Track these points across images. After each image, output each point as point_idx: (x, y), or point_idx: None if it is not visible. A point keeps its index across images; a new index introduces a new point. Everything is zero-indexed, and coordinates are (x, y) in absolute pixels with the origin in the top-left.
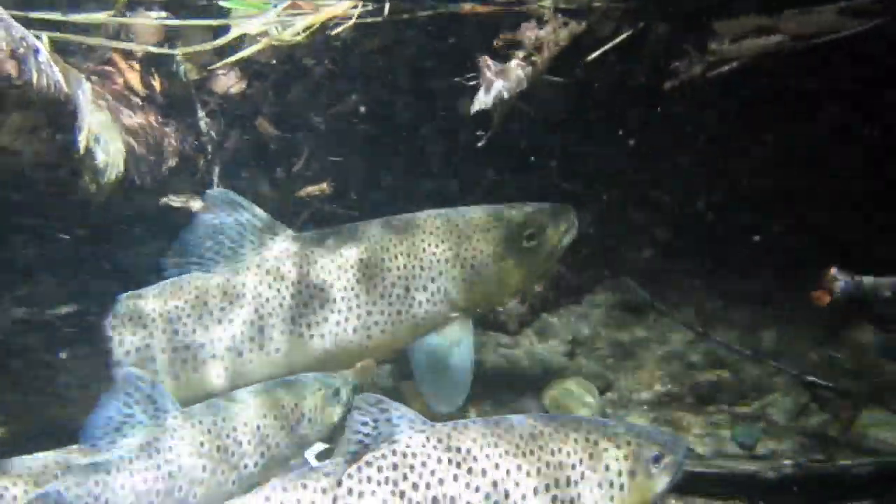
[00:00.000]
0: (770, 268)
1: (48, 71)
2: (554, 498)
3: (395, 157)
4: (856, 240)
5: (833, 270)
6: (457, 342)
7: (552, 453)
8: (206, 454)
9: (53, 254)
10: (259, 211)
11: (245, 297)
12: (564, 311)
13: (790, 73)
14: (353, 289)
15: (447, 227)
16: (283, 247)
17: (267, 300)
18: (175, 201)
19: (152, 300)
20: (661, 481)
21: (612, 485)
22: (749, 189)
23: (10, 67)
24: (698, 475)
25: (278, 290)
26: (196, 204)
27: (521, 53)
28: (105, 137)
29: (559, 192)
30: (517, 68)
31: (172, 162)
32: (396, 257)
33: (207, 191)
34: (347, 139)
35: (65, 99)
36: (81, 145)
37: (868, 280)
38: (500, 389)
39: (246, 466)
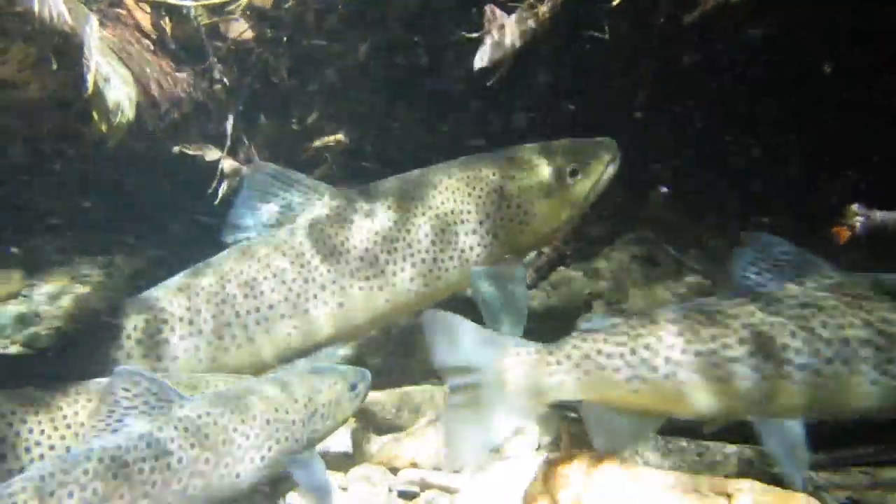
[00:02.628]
0: (791, 211)
1: (51, 1)
2: None
3: (411, 104)
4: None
5: (854, 206)
6: (512, 275)
7: None
8: (209, 446)
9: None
10: (300, 175)
11: (304, 256)
12: (583, 264)
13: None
14: (404, 239)
15: (491, 169)
16: (331, 205)
17: (324, 257)
18: (189, 149)
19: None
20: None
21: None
22: (767, 132)
23: None
24: None
25: (333, 248)
26: (211, 154)
27: (525, 4)
28: (115, 79)
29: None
30: (519, 21)
31: (185, 108)
32: (444, 203)
33: (251, 163)
34: (362, 86)
35: (69, 31)
36: (90, 84)
37: (889, 215)
38: None
39: (252, 460)
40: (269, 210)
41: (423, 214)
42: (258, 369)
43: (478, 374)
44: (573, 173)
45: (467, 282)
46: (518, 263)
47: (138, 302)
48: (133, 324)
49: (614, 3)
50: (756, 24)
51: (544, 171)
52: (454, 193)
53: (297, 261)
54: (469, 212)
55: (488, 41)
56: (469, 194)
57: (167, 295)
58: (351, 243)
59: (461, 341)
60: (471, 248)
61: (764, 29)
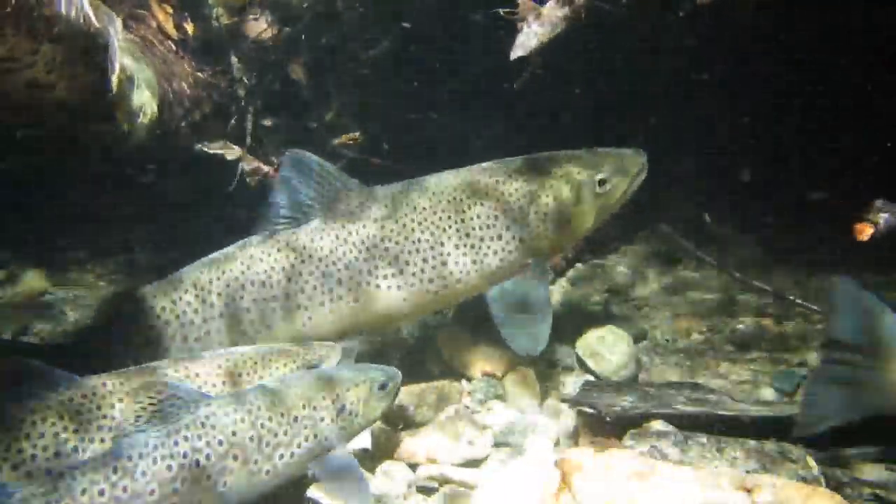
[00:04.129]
0: (814, 215)
1: (78, 3)
2: None
3: (432, 103)
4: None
5: (878, 202)
6: (534, 287)
7: None
8: (237, 443)
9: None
10: (332, 167)
11: (324, 251)
12: (600, 260)
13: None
14: (428, 239)
15: (520, 176)
16: (357, 200)
17: (344, 253)
18: (210, 148)
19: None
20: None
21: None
22: (791, 135)
23: None
24: (733, 418)
25: (354, 244)
26: (231, 152)
27: None
28: (138, 79)
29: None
30: (555, 9)
31: (206, 108)
32: (471, 207)
33: (285, 153)
34: (381, 85)
35: (95, 33)
36: (114, 84)
37: None
38: None
39: (282, 457)
40: (302, 200)
41: (449, 216)
42: None
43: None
44: (602, 183)
45: (486, 285)
46: (543, 274)
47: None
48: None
49: None
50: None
51: (574, 179)
52: (483, 196)
53: (315, 256)
54: (496, 216)
55: (525, 29)
56: (497, 199)
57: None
58: (375, 239)
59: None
60: (494, 252)
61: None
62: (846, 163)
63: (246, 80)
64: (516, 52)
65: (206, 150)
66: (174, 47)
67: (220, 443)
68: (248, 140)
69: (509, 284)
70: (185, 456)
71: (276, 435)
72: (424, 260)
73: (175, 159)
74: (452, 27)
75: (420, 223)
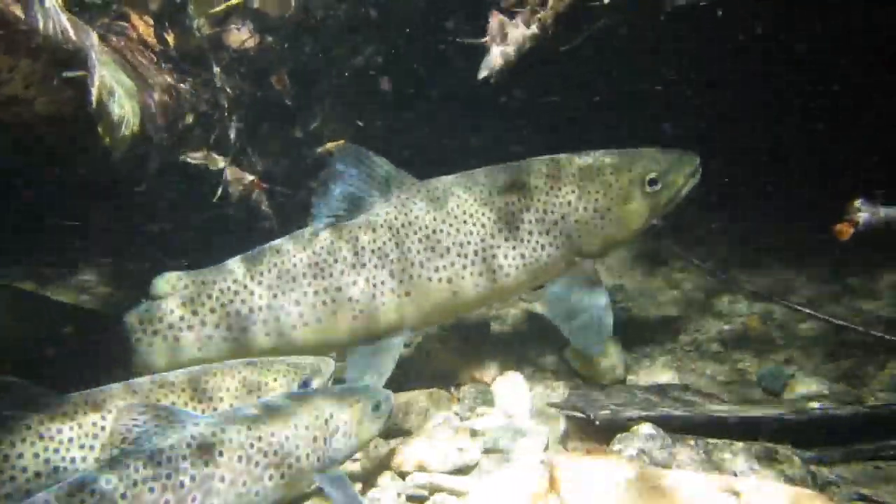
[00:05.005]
0: (797, 213)
1: (55, 18)
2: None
3: (413, 111)
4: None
5: (857, 202)
6: (590, 286)
7: None
8: (224, 464)
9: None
10: (384, 161)
11: (377, 243)
12: None
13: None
14: (477, 233)
15: (569, 171)
16: (409, 194)
17: (396, 246)
18: (193, 158)
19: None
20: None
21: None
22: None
23: (16, 11)
24: (720, 420)
25: (406, 237)
26: (215, 162)
27: (527, 10)
28: (119, 92)
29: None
30: (519, 29)
31: (189, 118)
32: (519, 200)
33: (339, 146)
34: (364, 94)
35: (73, 47)
36: (94, 97)
37: (893, 210)
38: (521, 344)
39: (271, 478)
40: (356, 193)
41: (498, 210)
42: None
43: None
44: (652, 182)
45: (533, 281)
46: (595, 277)
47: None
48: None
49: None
50: None
51: (625, 177)
52: (532, 192)
53: (370, 247)
54: (546, 211)
55: (493, 50)
56: (547, 193)
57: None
58: (428, 231)
59: None
60: (542, 248)
61: None
62: (832, 161)
63: (229, 90)
64: (482, 73)
65: (189, 160)
66: (155, 58)
67: (207, 463)
68: (232, 150)
69: (564, 283)
70: (169, 477)
71: (266, 455)
72: (475, 253)
73: (158, 170)
74: (435, 36)
75: (471, 216)
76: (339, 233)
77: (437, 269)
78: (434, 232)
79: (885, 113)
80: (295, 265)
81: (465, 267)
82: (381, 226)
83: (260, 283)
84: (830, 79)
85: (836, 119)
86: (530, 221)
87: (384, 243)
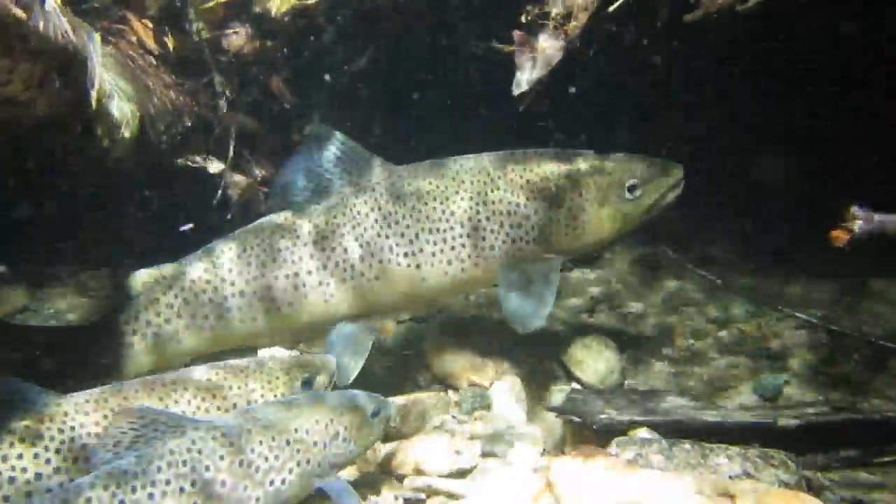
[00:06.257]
0: (791, 218)
1: (55, 20)
2: None
3: (410, 116)
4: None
5: (854, 209)
6: (545, 273)
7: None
8: (225, 469)
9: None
10: (353, 143)
11: (346, 227)
12: (585, 269)
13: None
14: (448, 221)
15: (548, 168)
16: (378, 178)
17: (365, 230)
18: (193, 162)
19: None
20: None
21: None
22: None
23: (16, 13)
24: (716, 424)
25: (375, 221)
26: (213, 166)
27: (550, 25)
28: (119, 95)
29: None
30: (549, 42)
31: (188, 121)
32: (493, 191)
33: (307, 127)
34: (362, 98)
35: (73, 49)
36: (93, 100)
37: (889, 218)
38: (521, 348)
39: (272, 483)
40: (322, 175)
41: (471, 199)
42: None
43: None
44: (632, 189)
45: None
46: (556, 266)
47: None
48: None
49: (610, 9)
50: None
51: (603, 180)
52: (508, 184)
53: (327, 235)
54: (520, 205)
55: (526, 64)
56: (522, 187)
57: None
58: (397, 216)
59: None
60: (514, 240)
61: None
62: (828, 165)
63: (228, 94)
64: (519, 88)
65: (188, 163)
66: (154, 62)
67: (207, 468)
68: (231, 153)
69: (524, 266)
70: (168, 483)
71: (266, 460)
72: (444, 240)
73: (157, 173)
74: (435, 39)
75: (442, 203)
76: (298, 217)
77: (405, 255)
78: (403, 218)
79: (886, 113)
80: (255, 252)
81: (433, 255)
82: (348, 210)
83: (230, 270)
84: (831, 79)
85: (836, 120)
86: (502, 213)
87: (352, 227)
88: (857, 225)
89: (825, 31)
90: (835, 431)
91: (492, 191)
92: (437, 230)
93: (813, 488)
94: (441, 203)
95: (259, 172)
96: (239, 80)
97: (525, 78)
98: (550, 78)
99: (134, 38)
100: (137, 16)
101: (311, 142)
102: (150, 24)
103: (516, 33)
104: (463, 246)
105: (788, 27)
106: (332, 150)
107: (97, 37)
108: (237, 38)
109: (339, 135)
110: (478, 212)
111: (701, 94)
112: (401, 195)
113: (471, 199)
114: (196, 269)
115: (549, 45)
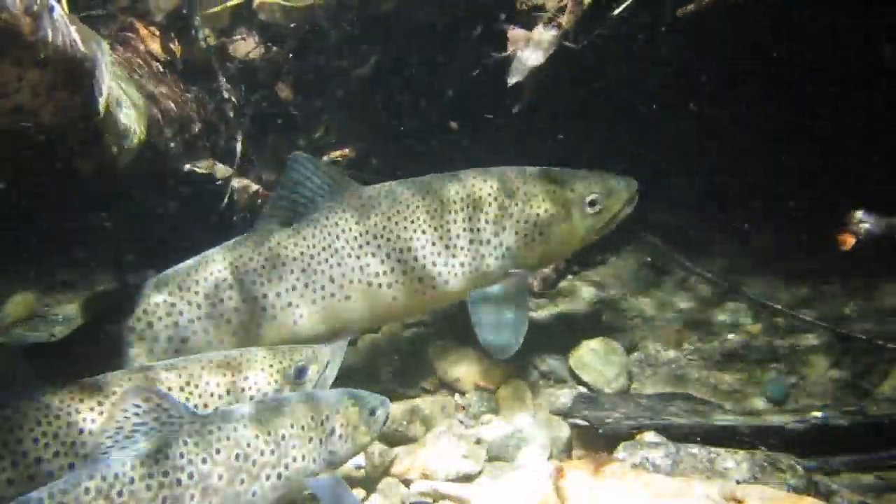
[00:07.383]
0: (796, 222)
1: (64, 29)
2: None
3: (416, 120)
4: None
5: (858, 212)
6: (514, 294)
7: None
8: (221, 462)
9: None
10: (332, 169)
11: (315, 249)
12: (590, 272)
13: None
14: (417, 240)
15: (513, 184)
16: (350, 201)
17: (335, 251)
18: (200, 167)
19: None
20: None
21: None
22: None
23: (25, 23)
24: (724, 429)
25: (346, 242)
26: (221, 171)
27: (545, 16)
28: (126, 102)
29: (585, 154)
30: (543, 33)
31: (195, 128)
32: (461, 210)
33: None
34: (367, 103)
35: (82, 58)
36: (101, 107)
37: (894, 220)
38: (526, 351)
39: (268, 477)
40: (300, 200)
41: (440, 218)
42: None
43: None
44: (592, 203)
45: (470, 290)
46: (523, 284)
47: None
48: None
49: (615, 13)
50: None
51: (566, 196)
52: (474, 201)
53: (306, 254)
54: (486, 220)
55: (519, 54)
56: (489, 204)
57: None
58: (368, 237)
59: None
60: (482, 257)
61: None
62: (827, 169)
63: (234, 100)
64: (513, 77)
65: (195, 169)
66: (161, 69)
67: (205, 461)
68: (238, 159)
69: (491, 289)
70: (165, 475)
71: (262, 454)
72: (415, 259)
73: (165, 179)
74: (441, 45)
75: (411, 223)
76: (271, 238)
77: (377, 275)
78: (374, 237)
79: (886, 113)
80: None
81: (404, 273)
82: (315, 232)
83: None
84: (830, 80)
85: (836, 120)
86: (470, 230)
87: (319, 250)
88: (862, 228)
89: (825, 31)
90: (843, 435)
91: (460, 209)
92: (407, 249)
93: (821, 492)
94: (411, 222)
95: (265, 177)
96: (246, 86)
97: (520, 67)
98: (550, 67)
99: (141, 45)
100: (144, 23)
101: (290, 168)
102: (157, 31)
103: (511, 27)
104: (433, 264)
105: (789, 27)
106: (307, 174)
107: (106, 45)
108: (244, 44)
109: (315, 160)
110: (448, 230)
111: (701, 95)
112: (371, 215)
113: (440, 217)
114: (159, 295)
115: (543, 35)
